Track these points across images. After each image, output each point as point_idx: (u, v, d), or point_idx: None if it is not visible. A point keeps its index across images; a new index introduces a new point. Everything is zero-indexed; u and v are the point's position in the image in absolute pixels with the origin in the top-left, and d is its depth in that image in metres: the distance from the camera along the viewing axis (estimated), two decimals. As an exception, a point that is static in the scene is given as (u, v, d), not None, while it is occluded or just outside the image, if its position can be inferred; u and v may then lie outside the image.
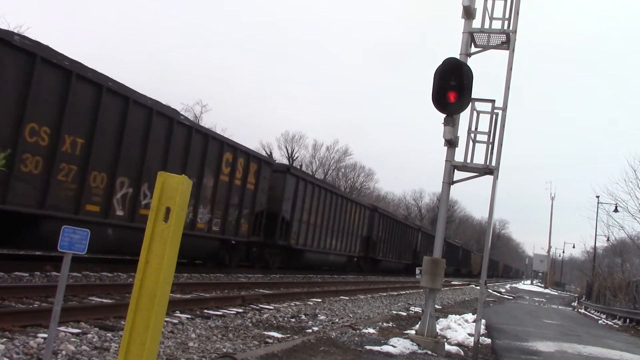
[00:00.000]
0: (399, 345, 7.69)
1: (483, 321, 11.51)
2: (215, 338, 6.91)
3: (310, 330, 8.65)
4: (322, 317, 10.50)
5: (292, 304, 11.94)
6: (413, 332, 8.67)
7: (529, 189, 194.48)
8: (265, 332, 7.84)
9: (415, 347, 7.78)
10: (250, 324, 8.40)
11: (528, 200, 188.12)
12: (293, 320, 9.58)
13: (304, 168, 61.33)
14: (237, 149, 17.12)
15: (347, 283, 21.81)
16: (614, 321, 23.36)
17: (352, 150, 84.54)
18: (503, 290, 44.43)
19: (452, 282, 39.22)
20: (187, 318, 8.08)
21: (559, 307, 32.68)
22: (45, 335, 5.10)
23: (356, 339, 7.99)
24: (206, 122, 48.88)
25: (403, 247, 40.69)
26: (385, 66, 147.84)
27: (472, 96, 8.12)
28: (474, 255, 76.43)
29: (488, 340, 10.28)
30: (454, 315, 13.13)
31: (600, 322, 23.53)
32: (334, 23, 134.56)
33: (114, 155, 11.96)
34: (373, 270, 34.91)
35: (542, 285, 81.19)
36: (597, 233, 43.30)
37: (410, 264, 42.43)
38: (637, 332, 18.89)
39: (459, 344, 9.16)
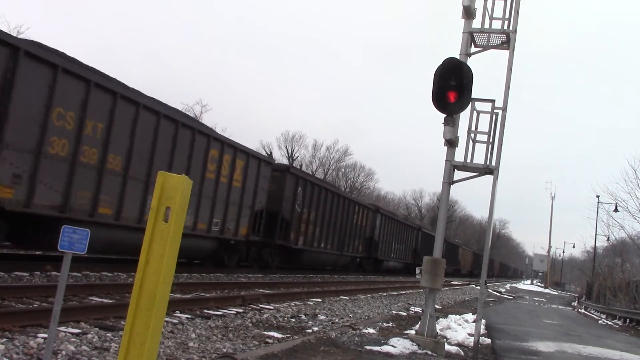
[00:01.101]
0: (399, 345, 7.68)
1: (483, 321, 11.50)
2: (215, 338, 6.91)
3: (310, 330, 8.65)
4: (322, 317, 10.50)
5: (292, 304, 11.94)
6: (413, 332, 8.67)
7: (529, 189, 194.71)
8: (265, 332, 7.84)
9: (415, 347, 7.78)
10: (250, 324, 8.40)
11: (528, 200, 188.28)
12: (293, 320, 9.58)
13: (304, 168, 61.33)
14: None
15: (348, 283, 21.81)
16: (614, 321, 23.36)
17: (352, 150, 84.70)
18: (503, 290, 44.44)
19: (452, 282, 39.14)
20: (187, 318, 8.08)
21: (559, 307, 32.67)
22: (45, 335, 5.10)
23: (356, 339, 7.99)
24: (206, 121, 48.79)
25: (348, 233, 28.57)
26: (386, 66, 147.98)
27: (472, 96, 8.12)
28: (462, 251, 63.60)
29: (488, 340, 10.28)
30: (454, 315, 13.12)
31: (600, 322, 23.53)
32: (335, 23, 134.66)
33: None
34: (290, 265, 23.83)
35: (542, 285, 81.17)
36: (597, 233, 43.42)
37: (361, 257, 32.30)
38: (637, 332, 18.88)
39: (459, 344, 9.16)
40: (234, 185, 17.44)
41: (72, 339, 5.55)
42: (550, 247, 75.59)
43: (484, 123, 8.54)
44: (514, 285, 73.86)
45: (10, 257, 12.53)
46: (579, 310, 32.05)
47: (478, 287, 34.17)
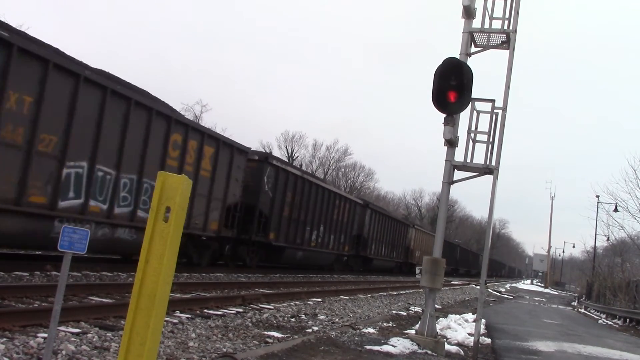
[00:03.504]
0: (399, 345, 7.69)
1: (483, 321, 11.51)
2: (215, 338, 6.91)
3: (310, 330, 8.65)
4: (322, 317, 10.50)
5: (292, 304, 11.94)
6: (413, 331, 8.67)
7: (529, 189, 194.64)
8: (265, 332, 7.84)
9: (415, 347, 7.78)
10: (250, 324, 8.40)
11: (528, 200, 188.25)
12: (293, 319, 9.58)
13: (304, 168, 61.27)
14: None
15: (347, 283, 21.81)
16: (614, 321, 23.35)
17: (352, 150, 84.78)
18: (503, 290, 44.44)
19: (452, 282, 39.10)
20: (187, 318, 8.08)
21: (559, 306, 32.67)
22: (45, 335, 5.10)
23: (356, 338, 7.99)
24: (206, 121, 48.91)
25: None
26: (386, 66, 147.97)
27: (472, 96, 8.12)
28: (427, 239, 45.58)
29: (488, 340, 10.28)
30: (454, 315, 13.13)
31: (600, 321, 23.52)
32: (335, 22, 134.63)
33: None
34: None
35: (542, 285, 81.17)
36: (597, 233, 43.51)
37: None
38: (637, 332, 18.88)
39: (459, 344, 9.16)
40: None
41: (72, 339, 5.55)
42: (550, 247, 75.71)
43: (484, 123, 8.55)
44: (514, 285, 73.84)
45: (10, 257, 12.53)
46: (579, 310, 32.05)
47: (478, 287, 34.15)
